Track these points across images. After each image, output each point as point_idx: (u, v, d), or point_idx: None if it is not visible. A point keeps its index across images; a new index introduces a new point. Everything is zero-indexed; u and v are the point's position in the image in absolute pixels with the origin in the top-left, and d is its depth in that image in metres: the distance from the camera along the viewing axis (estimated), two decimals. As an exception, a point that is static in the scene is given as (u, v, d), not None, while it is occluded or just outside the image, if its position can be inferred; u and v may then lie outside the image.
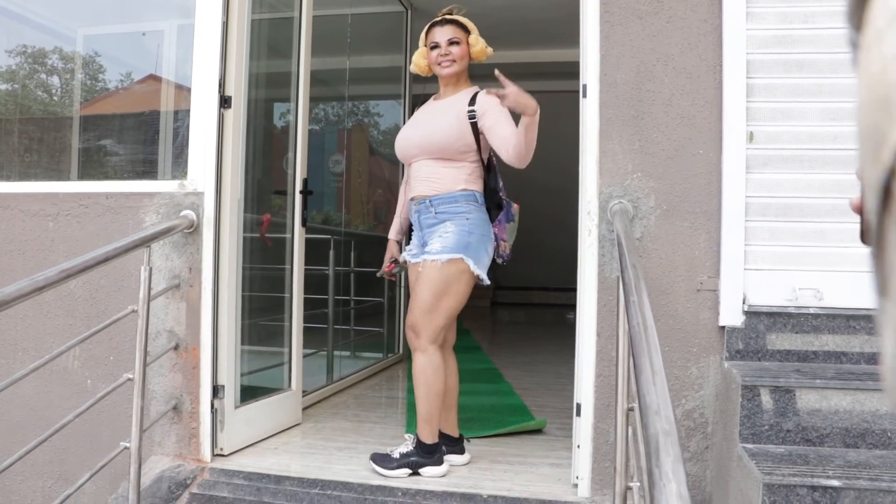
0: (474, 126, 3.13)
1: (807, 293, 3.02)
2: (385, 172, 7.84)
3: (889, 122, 0.29)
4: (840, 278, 2.99)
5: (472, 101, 3.15)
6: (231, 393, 3.43)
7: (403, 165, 3.55)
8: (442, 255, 3.07)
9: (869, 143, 0.31)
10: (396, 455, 3.16)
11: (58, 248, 3.56)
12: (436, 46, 3.23)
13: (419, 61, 3.33)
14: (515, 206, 3.33)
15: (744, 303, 3.03)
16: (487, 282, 3.17)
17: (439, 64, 3.23)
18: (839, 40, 3.04)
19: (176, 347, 3.38)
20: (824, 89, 3.05)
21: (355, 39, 5.70)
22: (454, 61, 3.21)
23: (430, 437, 3.14)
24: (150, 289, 3.01)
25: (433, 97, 3.40)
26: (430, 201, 3.17)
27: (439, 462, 3.16)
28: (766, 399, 2.62)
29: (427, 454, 3.14)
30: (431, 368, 3.09)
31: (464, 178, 3.16)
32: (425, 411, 3.13)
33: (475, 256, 3.09)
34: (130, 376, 2.95)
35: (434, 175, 3.18)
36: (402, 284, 5.90)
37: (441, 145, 3.15)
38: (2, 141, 4.20)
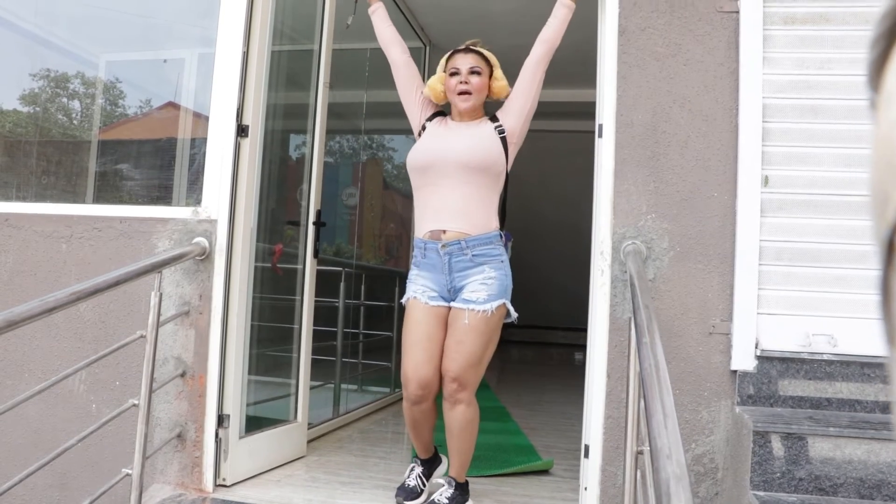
0: (504, 142, 3.02)
1: (820, 339, 2.98)
2: (398, 207, 7.86)
3: (893, 182, 0.30)
4: (855, 325, 2.96)
5: (493, 119, 3.08)
6: (236, 423, 3.40)
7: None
8: (490, 303, 2.90)
9: (876, 200, 0.32)
10: (445, 501, 3.03)
11: (70, 270, 3.57)
12: (455, 73, 3.05)
13: (435, 85, 3.12)
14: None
15: (756, 347, 3.00)
16: (516, 315, 3.03)
17: (458, 94, 3.03)
18: (854, 87, 3.05)
19: (183, 374, 3.36)
20: (840, 135, 3.05)
21: (373, 74, 5.75)
22: (471, 93, 3.02)
23: (464, 477, 3.11)
24: (159, 314, 3.00)
25: (449, 116, 3.18)
26: (465, 242, 2.93)
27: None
28: (778, 446, 2.58)
29: (466, 492, 3.10)
30: (477, 419, 3.00)
31: (494, 211, 3.00)
32: (468, 459, 3.07)
33: (510, 298, 2.99)
34: (136, 402, 2.93)
35: (467, 207, 2.94)
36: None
37: (487, 162, 2.94)
38: (20, 162, 4.24)
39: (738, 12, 3.16)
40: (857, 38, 3.09)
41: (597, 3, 3.39)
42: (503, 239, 3.04)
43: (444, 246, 2.94)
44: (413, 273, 3.08)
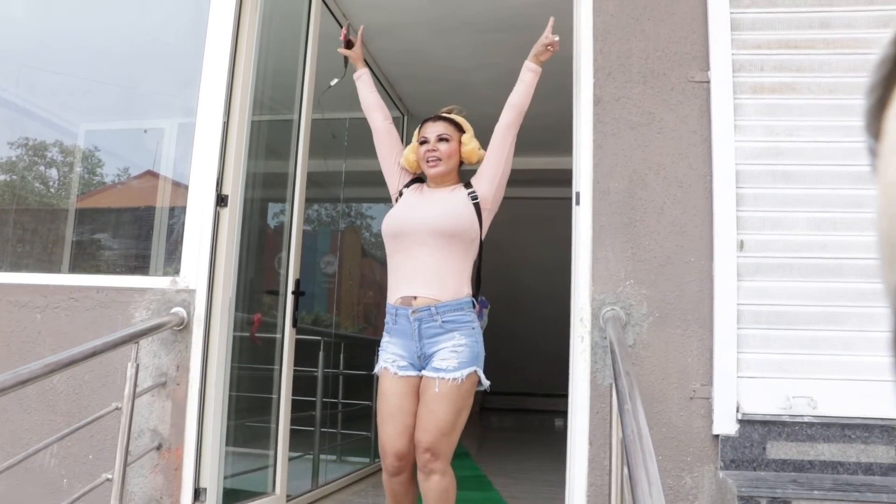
0: (477, 208, 3.01)
1: (801, 401, 2.99)
2: (376, 275, 7.86)
3: None
4: (834, 386, 2.98)
5: (468, 186, 3.08)
6: (213, 496, 3.32)
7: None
8: (461, 371, 2.85)
9: (886, 249, 0.32)
10: None
11: (44, 340, 3.51)
12: (425, 141, 3.07)
13: (409, 155, 3.15)
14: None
15: (738, 411, 3.00)
16: (488, 384, 2.97)
17: (427, 161, 3.05)
18: (822, 153, 3.13)
19: (159, 447, 3.29)
20: (811, 199, 3.11)
21: (352, 143, 5.83)
22: (440, 159, 3.03)
23: None
24: (135, 386, 2.96)
25: (426, 184, 3.19)
26: (435, 309, 2.89)
27: None
28: (764, 512, 2.56)
29: None
30: (454, 488, 2.93)
31: (467, 278, 2.98)
32: None
33: (482, 366, 2.94)
34: (109, 476, 2.86)
35: (439, 273, 2.92)
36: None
37: (458, 228, 2.94)
38: (-5, 232, 4.21)
39: (708, 82, 3.25)
40: (822, 107, 3.18)
41: (571, 74, 3.47)
42: (476, 306, 3.01)
43: (414, 312, 2.91)
44: (384, 340, 3.04)
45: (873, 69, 0.36)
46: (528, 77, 3.07)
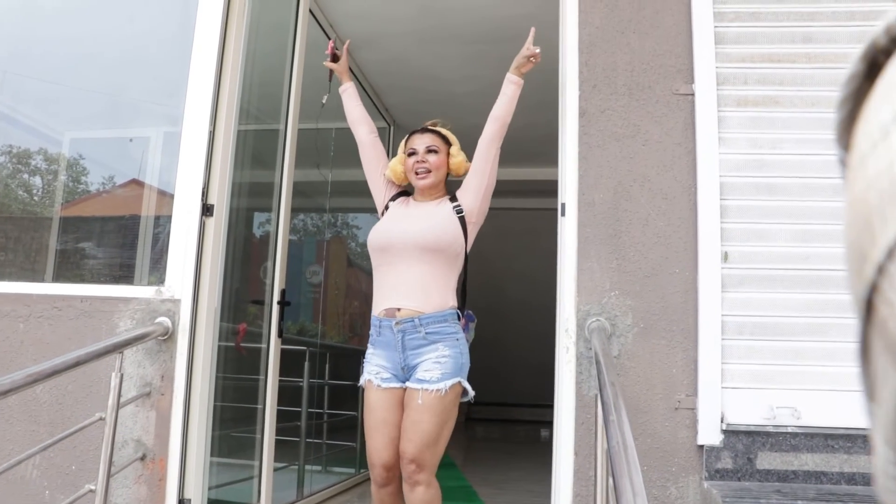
0: (462, 221, 3.03)
1: (784, 412, 3.01)
2: (362, 285, 7.84)
3: (870, 240, 0.31)
4: (817, 397, 3.00)
5: (453, 199, 3.10)
6: (197, 507, 3.30)
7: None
8: (444, 382, 2.85)
9: (854, 259, 0.34)
10: None
11: (27, 350, 3.49)
12: (413, 153, 3.10)
13: (395, 167, 3.17)
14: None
15: (722, 421, 3.01)
16: (472, 394, 2.98)
17: (416, 173, 3.07)
18: (805, 165, 3.16)
19: (143, 458, 3.27)
20: (795, 211, 3.14)
21: (338, 153, 5.82)
22: (429, 171, 3.06)
23: None
24: (119, 396, 2.94)
25: (412, 197, 3.21)
26: (419, 320, 2.90)
27: None
28: (748, 522, 2.57)
29: None
30: (439, 499, 2.91)
31: (452, 290, 2.99)
32: None
33: (466, 377, 2.94)
34: (92, 488, 2.84)
35: (424, 286, 2.93)
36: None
37: (443, 242, 2.96)
38: (-22, 241, 4.18)
39: (693, 95, 3.27)
40: (805, 120, 3.22)
41: (557, 86, 3.49)
42: (461, 320, 3.02)
43: (397, 323, 2.92)
44: (369, 352, 3.05)
45: (843, 84, 0.37)
46: (510, 89, 3.09)
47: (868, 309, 0.33)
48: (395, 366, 2.95)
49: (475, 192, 3.07)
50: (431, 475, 2.89)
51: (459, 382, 2.90)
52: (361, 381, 3.06)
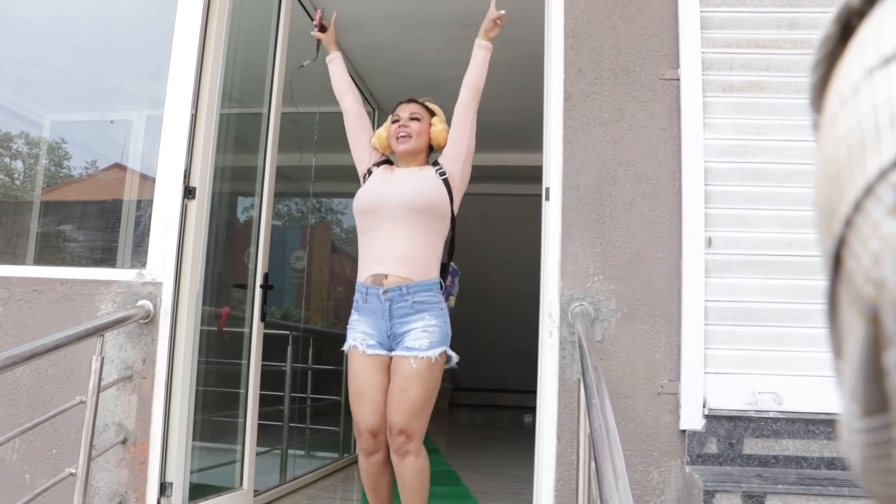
0: (446, 184, 3.05)
1: (766, 397, 3.03)
2: (346, 270, 7.83)
3: (839, 195, 0.32)
4: (798, 382, 3.02)
5: (435, 164, 3.14)
6: (179, 491, 3.29)
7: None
8: (433, 350, 2.87)
9: (823, 216, 0.34)
10: None
11: (6, 333, 3.45)
12: (397, 120, 3.16)
13: (381, 133, 3.21)
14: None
15: (704, 406, 3.03)
16: (457, 358, 3.00)
17: (397, 138, 3.12)
18: (790, 151, 3.17)
19: (124, 441, 3.25)
20: (779, 198, 3.15)
21: (322, 137, 5.79)
22: (410, 136, 3.10)
23: None
24: (100, 379, 2.92)
25: (394, 165, 3.23)
26: (406, 288, 2.91)
27: None
28: (729, 505, 2.59)
29: None
30: (428, 468, 2.94)
31: (438, 257, 3.02)
32: None
33: (448, 346, 2.96)
34: (73, 471, 2.82)
35: (412, 251, 2.94)
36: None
37: (432, 203, 2.98)
38: (-43, 224, 4.13)
39: (678, 80, 3.27)
40: (790, 106, 3.22)
41: (542, 70, 3.48)
42: (443, 289, 3.04)
43: (385, 292, 2.93)
44: (353, 318, 3.05)
45: (817, 46, 0.38)
46: (479, 54, 3.14)
47: (836, 265, 0.33)
48: (381, 333, 2.97)
49: (455, 159, 3.11)
50: (420, 444, 2.93)
51: (445, 351, 2.92)
52: (346, 347, 3.06)
